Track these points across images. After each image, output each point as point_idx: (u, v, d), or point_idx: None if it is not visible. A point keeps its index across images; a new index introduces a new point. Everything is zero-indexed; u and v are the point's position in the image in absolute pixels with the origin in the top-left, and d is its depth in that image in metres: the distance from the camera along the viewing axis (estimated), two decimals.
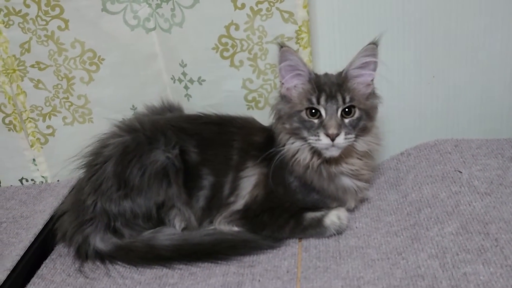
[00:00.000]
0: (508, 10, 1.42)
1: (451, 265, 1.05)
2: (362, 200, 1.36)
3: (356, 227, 1.28)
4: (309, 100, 1.20)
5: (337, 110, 1.18)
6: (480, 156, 1.40)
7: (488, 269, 1.01)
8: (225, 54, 1.44)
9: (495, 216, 1.16)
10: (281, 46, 1.20)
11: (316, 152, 1.22)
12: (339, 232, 1.26)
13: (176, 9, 1.40)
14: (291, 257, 1.21)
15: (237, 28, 1.40)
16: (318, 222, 1.25)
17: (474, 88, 1.52)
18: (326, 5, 1.42)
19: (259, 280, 1.15)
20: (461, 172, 1.34)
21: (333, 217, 1.26)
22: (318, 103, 1.19)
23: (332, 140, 1.16)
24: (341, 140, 1.17)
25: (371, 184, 1.38)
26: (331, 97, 1.18)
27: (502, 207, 1.18)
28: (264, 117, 1.41)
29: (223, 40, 1.42)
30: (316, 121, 1.19)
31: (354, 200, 1.31)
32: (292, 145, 1.24)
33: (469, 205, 1.21)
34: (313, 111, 1.19)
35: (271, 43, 1.42)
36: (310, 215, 1.26)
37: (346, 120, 1.19)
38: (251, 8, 1.37)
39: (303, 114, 1.21)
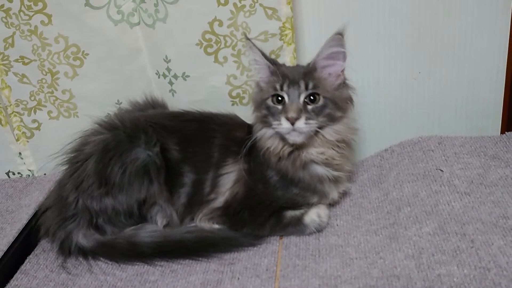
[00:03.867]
0: (495, 6, 1.41)
1: (426, 266, 1.06)
2: (345, 194, 1.37)
3: (337, 225, 1.29)
4: (274, 87, 1.21)
5: (299, 95, 1.19)
6: (463, 154, 1.40)
7: (462, 271, 1.02)
8: (209, 50, 1.43)
9: (472, 216, 1.16)
10: (246, 38, 1.23)
11: (285, 141, 1.23)
12: (319, 230, 1.27)
13: (159, 4, 1.39)
14: (271, 255, 1.22)
15: (220, 24, 1.39)
16: (298, 220, 1.26)
17: (460, 85, 1.51)
18: (311, 1, 1.42)
19: (238, 278, 1.16)
20: (442, 170, 1.34)
21: (313, 215, 1.27)
22: (282, 89, 1.20)
23: (292, 124, 1.16)
24: (301, 124, 1.17)
25: (349, 174, 1.36)
26: (293, 83, 1.19)
27: (481, 207, 1.19)
28: (249, 113, 1.41)
29: (207, 36, 1.41)
30: (280, 107, 1.20)
31: (335, 191, 1.31)
32: (263, 133, 1.25)
33: (448, 204, 1.22)
34: (279, 98, 1.21)
35: (255, 39, 1.41)
36: (290, 213, 1.27)
37: (309, 107, 1.19)
38: (235, 5, 1.36)
39: (269, 101, 1.22)
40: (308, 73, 1.21)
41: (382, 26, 1.44)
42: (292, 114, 1.16)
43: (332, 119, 1.22)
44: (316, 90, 1.19)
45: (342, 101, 1.23)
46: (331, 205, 1.35)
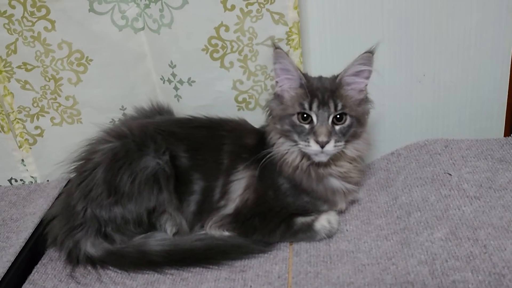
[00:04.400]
0: (499, 8, 1.42)
1: (441, 272, 1.06)
2: (353, 202, 1.37)
3: (347, 230, 1.29)
4: (301, 105, 1.20)
5: (328, 117, 1.18)
6: (470, 158, 1.41)
7: (477, 277, 1.02)
8: (215, 55, 1.43)
9: (484, 221, 1.17)
10: (275, 47, 1.20)
11: (305, 154, 1.23)
12: (330, 236, 1.27)
13: (164, 9, 1.38)
14: (282, 261, 1.22)
15: (227, 29, 1.38)
16: (309, 227, 1.26)
17: (464, 87, 1.52)
18: (316, 6, 1.41)
19: (251, 286, 1.15)
20: (450, 174, 1.34)
21: (323, 221, 1.26)
22: (310, 109, 1.19)
23: (322, 147, 1.17)
24: (330, 147, 1.18)
25: (360, 186, 1.39)
26: (323, 104, 1.18)
27: (491, 211, 1.19)
28: (255, 118, 1.42)
29: (213, 41, 1.40)
30: (307, 126, 1.20)
31: (344, 201, 1.31)
32: (282, 146, 1.24)
33: (459, 209, 1.22)
34: (305, 116, 1.20)
35: (262, 44, 1.41)
36: (301, 219, 1.27)
37: (337, 127, 1.19)
38: (241, 10, 1.36)
39: (295, 118, 1.21)
40: (335, 90, 1.20)
41: (387, 29, 1.44)
42: (323, 138, 1.16)
43: (355, 136, 1.23)
44: (344, 110, 1.19)
45: (363, 117, 1.24)
46: (340, 211, 1.34)
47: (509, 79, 1.51)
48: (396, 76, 1.50)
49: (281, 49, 1.20)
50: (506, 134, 1.56)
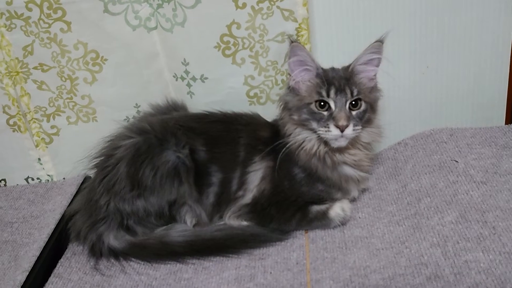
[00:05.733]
0: (498, 2, 1.47)
1: (453, 253, 1.11)
2: (363, 190, 1.42)
3: (359, 217, 1.34)
4: (319, 93, 1.25)
5: (345, 102, 1.24)
6: (475, 145, 1.46)
7: (488, 257, 1.08)
8: (227, 52, 1.47)
9: (491, 204, 1.22)
10: (292, 41, 1.24)
11: (322, 141, 1.28)
12: (344, 223, 1.31)
13: (177, 9, 1.42)
14: (299, 248, 1.27)
15: (238, 27, 1.43)
16: (324, 215, 1.31)
17: (466, 78, 1.57)
18: (323, 2, 1.46)
19: (271, 273, 1.20)
20: (457, 161, 1.40)
21: (338, 209, 1.31)
22: (328, 96, 1.24)
23: (342, 131, 1.22)
24: (350, 131, 1.23)
25: (371, 174, 1.44)
26: (340, 91, 1.24)
27: (498, 195, 1.25)
28: (266, 112, 1.46)
29: (225, 38, 1.45)
30: (325, 113, 1.25)
31: (356, 189, 1.37)
32: (299, 136, 1.29)
33: (467, 194, 1.27)
34: (322, 103, 1.25)
35: (272, 40, 1.45)
36: (316, 208, 1.32)
37: (354, 112, 1.25)
38: (252, 7, 1.40)
39: (313, 106, 1.26)
40: (349, 78, 1.26)
41: (391, 23, 1.48)
42: (343, 122, 1.21)
43: (369, 122, 1.29)
44: (359, 96, 1.25)
45: (375, 103, 1.30)
46: (353, 199, 1.39)
47: (509, 70, 1.56)
48: (400, 69, 1.55)
49: (298, 42, 1.26)
50: (507, 122, 1.62)
